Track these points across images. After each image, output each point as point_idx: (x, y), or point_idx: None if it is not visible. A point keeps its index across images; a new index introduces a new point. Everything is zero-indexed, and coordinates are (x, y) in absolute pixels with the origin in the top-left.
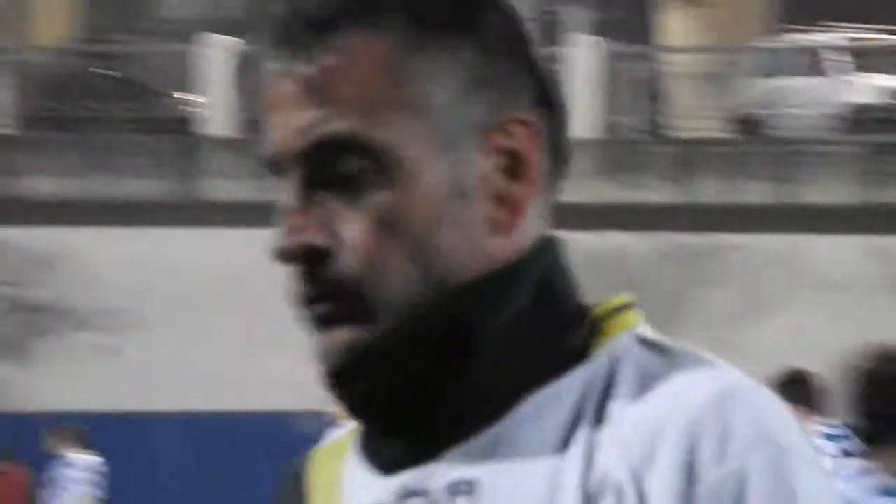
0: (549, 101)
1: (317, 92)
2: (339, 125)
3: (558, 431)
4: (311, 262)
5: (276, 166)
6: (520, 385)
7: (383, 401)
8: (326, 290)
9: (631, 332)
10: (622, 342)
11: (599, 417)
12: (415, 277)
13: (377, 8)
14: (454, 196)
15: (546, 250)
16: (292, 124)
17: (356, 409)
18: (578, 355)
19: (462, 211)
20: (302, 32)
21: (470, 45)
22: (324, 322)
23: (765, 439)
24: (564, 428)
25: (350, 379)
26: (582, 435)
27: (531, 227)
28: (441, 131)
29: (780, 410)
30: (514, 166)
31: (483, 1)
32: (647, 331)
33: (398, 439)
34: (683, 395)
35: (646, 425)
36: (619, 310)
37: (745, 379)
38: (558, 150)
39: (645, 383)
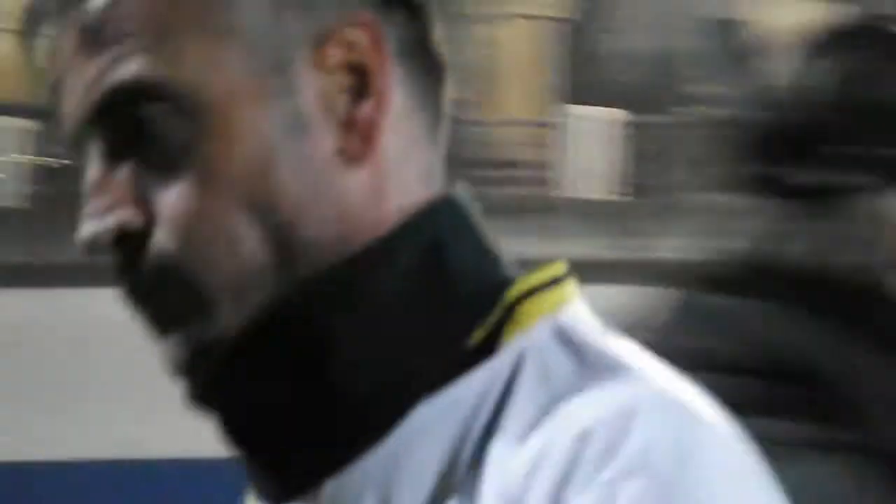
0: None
1: (96, 34)
2: (127, 69)
3: (442, 458)
4: (127, 247)
5: (76, 146)
6: (406, 394)
7: (242, 420)
8: (149, 283)
9: (551, 318)
10: (536, 335)
11: (482, 449)
12: (254, 243)
13: None
14: (290, 130)
15: (438, 213)
16: (77, 84)
17: (223, 429)
18: (486, 350)
19: (301, 146)
20: None
21: None
22: (159, 324)
23: (646, 468)
24: (448, 454)
25: (204, 392)
26: (462, 471)
27: (413, 184)
28: (259, 55)
29: (686, 438)
30: (360, 83)
31: None
32: (576, 314)
33: (273, 466)
34: (577, 414)
35: (530, 457)
36: (544, 287)
37: (661, 395)
38: (427, 66)
39: (547, 402)
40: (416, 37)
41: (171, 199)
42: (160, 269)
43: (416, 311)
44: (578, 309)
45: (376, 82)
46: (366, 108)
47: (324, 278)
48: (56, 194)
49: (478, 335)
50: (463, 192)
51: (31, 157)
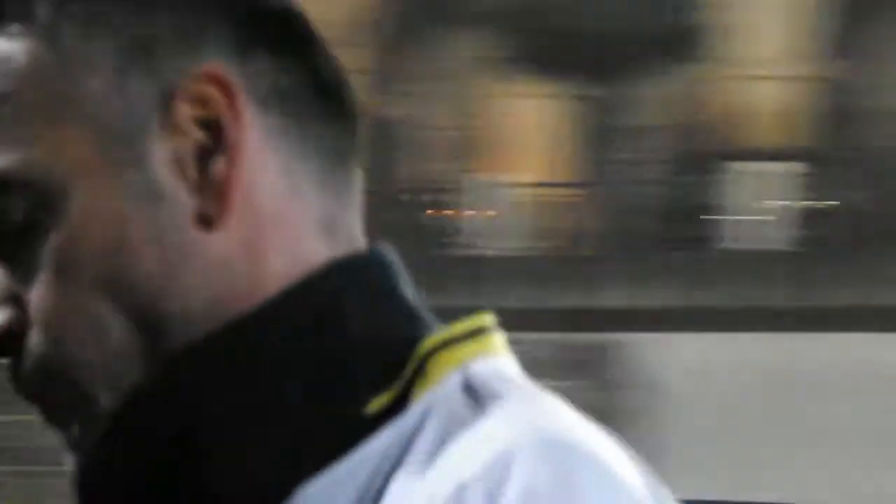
0: (276, 42)
1: None
2: None
3: None
4: (11, 349)
5: None
6: (295, 471)
7: None
8: (34, 386)
9: (462, 370)
10: (446, 388)
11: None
12: (118, 329)
13: None
14: (143, 202)
15: (337, 271)
16: None
17: None
18: (398, 409)
19: (156, 217)
20: None
21: (110, 2)
22: (56, 424)
23: None
24: None
25: (92, 487)
26: None
27: (302, 240)
28: (105, 128)
29: (567, 479)
30: (213, 140)
31: None
32: (493, 365)
33: None
34: (453, 467)
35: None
36: (460, 339)
37: (544, 435)
38: (317, 109)
39: (441, 449)
40: (295, 80)
41: (36, 295)
42: (39, 373)
43: (302, 381)
44: (498, 361)
45: (228, 136)
46: (218, 166)
47: (185, 354)
48: (824, 236)
49: (388, 395)
50: (380, 246)
51: (799, 200)
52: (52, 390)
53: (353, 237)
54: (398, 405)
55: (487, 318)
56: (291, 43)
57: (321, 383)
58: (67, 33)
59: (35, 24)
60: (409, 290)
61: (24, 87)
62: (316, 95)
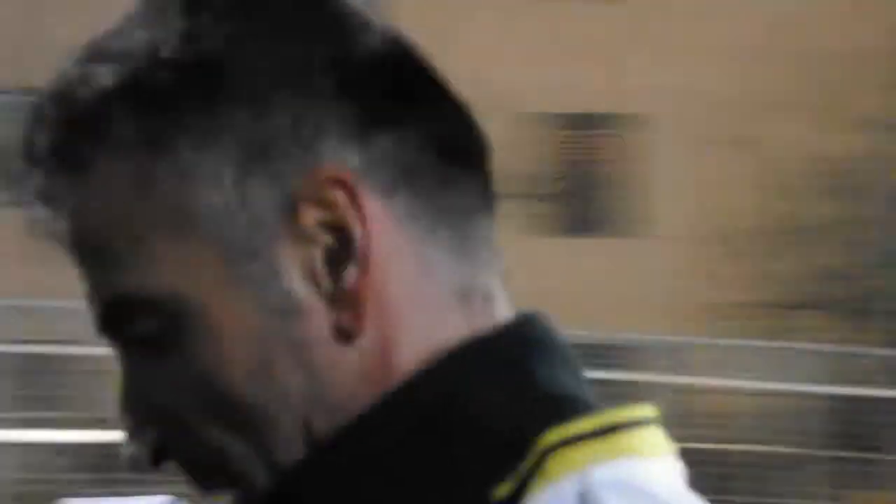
0: (395, 114)
1: (74, 250)
2: (106, 289)
3: None
4: (173, 456)
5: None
6: None
7: None
8: (204, 481)
9: (582, 476)
10: (560, 495)
11: None
12: (280, 445)
13: (92, 117)
14: (281, 318)
15: (462, 358)
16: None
17: None
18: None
19: (296, 333)
20: (39, 175)
21: (225, 107)
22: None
23: None
24: None
25: None
26: None
27: (433, 319)
28: (231, 242)
29: None
30: (341, 245)
31: (212, 48)
32: (626, 472)
33: None
34: None
35: None
36: (592, 435)
37: None
38: (445, 169)
39: None
40: (419, 149)
41: (187, 413)
42: (207, 473)
43: (424, 471)
44: (633, 467)
45: (358, 243)
46: (350, 276)
47: (310, 456)
48: None
49: (504, 489)
50: (528, 313)
51: None
52: (221, 481)
53: (492, 300)
54: (514, 500)
55: (631, 412)
56: (411, 107)
57: (442, 472)
58: (183, 146)
59: (136, 137)
60: (552, 364)
61: (141, 204)
62: (441, 157)
